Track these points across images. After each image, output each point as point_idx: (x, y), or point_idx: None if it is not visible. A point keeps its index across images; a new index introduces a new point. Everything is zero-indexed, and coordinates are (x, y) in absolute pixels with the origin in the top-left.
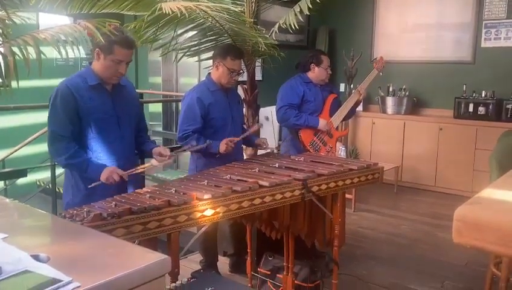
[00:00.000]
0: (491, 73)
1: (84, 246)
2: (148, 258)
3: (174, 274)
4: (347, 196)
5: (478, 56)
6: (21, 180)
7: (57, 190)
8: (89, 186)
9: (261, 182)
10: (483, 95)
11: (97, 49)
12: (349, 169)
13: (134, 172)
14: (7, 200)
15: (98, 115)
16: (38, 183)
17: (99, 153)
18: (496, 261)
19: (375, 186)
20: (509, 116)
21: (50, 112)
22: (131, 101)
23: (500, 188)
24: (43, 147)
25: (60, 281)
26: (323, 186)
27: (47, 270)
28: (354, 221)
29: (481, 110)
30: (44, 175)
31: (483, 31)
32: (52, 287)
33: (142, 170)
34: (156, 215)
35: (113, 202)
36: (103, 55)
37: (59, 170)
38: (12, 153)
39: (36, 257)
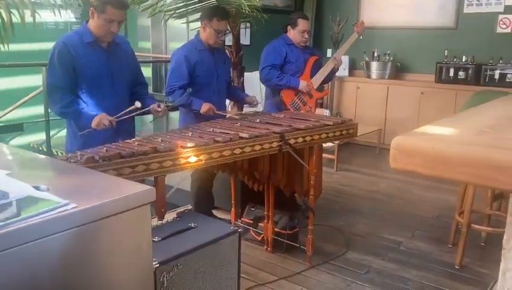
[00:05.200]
0: (472, 38)
1: (79, 180)
2: (135, 188)
3: (161, 213)
4: (330, 156)
5: (460, 22)
6: (14, 142)
7: (54, 152)
8: (80, 133)
9: (241, 134)
10: (463, 60)
11: (91, 8)
12: (325, 124)
13: (122, 117)
14: (6, 145)
15: (92, 71)
16: (31, 145)
17: (93, 107)
18: (460, 211)
19: (358, 148)
20: (487, 80)
21: (48, 66)
22: (127, 58)
23: (437, 124)
24: (39, 109)
25: (59, 202)
26: (300, 140)
27: (47, 197)
28: (336, 179)
29: (461, 74)
30: (38, 137)
31: None
32: (53, 206)
33: (128, 113)
34: (143, 160)
35: (105, 148)
36: (97, 14)
37: (54, 130)
38: (7, 112)
39: (37, 188)
